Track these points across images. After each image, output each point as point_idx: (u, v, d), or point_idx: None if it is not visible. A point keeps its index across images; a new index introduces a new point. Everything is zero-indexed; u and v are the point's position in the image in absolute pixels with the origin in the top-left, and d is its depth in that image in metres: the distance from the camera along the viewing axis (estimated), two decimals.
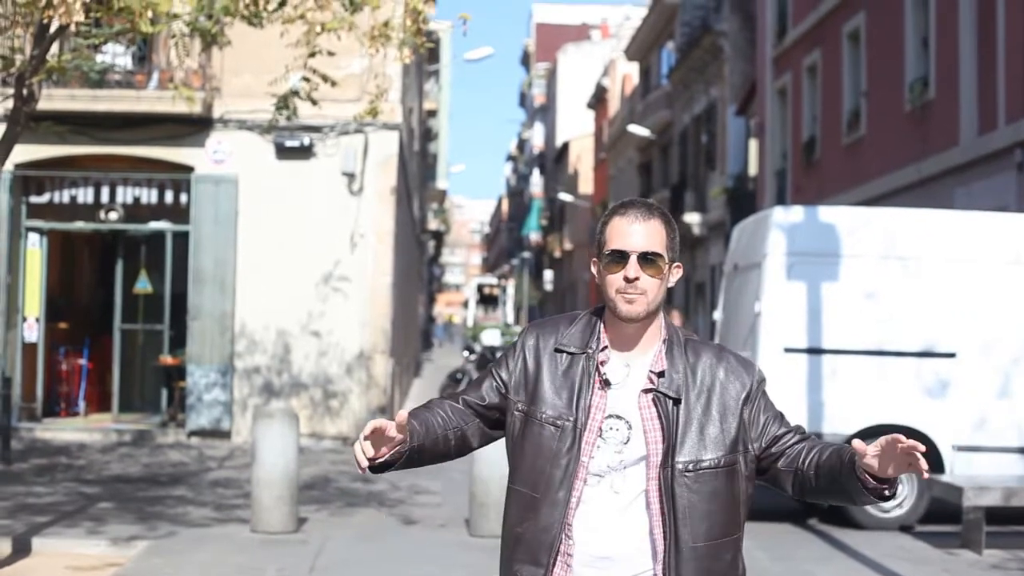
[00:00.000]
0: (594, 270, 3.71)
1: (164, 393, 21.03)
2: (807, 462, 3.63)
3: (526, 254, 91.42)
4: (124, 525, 12.20)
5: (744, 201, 36.11)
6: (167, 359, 20.69)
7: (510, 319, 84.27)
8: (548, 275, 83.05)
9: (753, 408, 3.66)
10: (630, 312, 3.59)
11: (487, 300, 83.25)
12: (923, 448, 3.35)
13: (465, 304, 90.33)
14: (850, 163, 28.06)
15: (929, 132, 23.71)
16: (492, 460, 11.99)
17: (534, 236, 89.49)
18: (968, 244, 13.63)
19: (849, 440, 3.75)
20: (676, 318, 12.90)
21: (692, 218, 41.97)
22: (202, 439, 19.70)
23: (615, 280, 3.59)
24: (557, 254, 79.71)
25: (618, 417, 3.60)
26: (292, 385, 20.02)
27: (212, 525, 12.46)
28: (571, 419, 3.59)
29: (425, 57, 33.63)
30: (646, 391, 3.61)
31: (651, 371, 3.63)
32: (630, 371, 3.64)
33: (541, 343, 3.73)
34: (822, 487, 3.61)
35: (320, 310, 20.03)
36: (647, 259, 3.58)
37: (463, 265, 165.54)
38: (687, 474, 3.54)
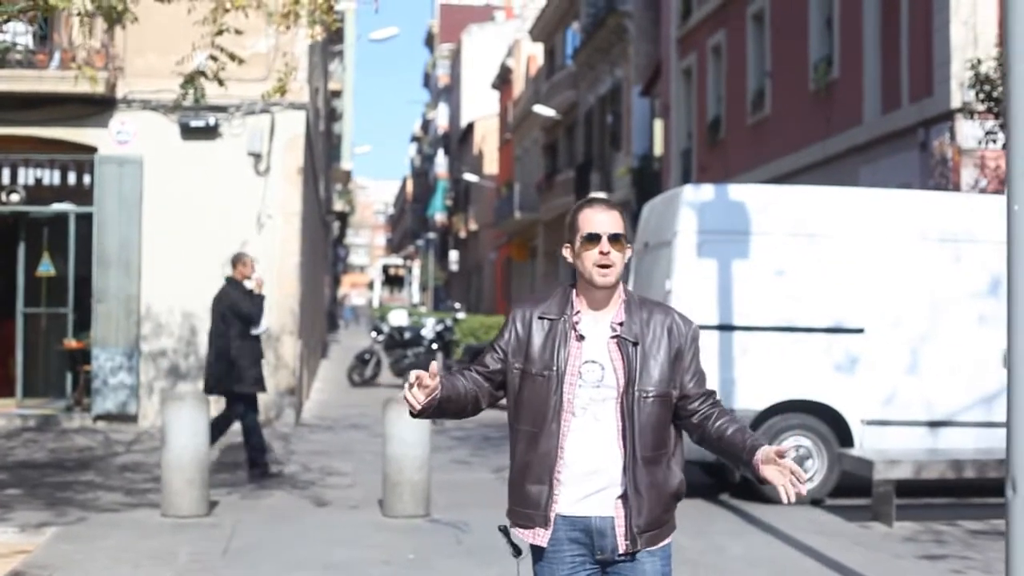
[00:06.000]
0: (566, 252, 4.79)
1: (69, 377, 20.74)
2: (715, 427, 4.73)
3: (431, 235, 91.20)
4: (32, 511, 12.01)
5: (649, 181, 36.29)
6: (71, 343, 20.38)
7: (416, 299, 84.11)
8: (454, 255, 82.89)
9: (686, 358, 4.75)
10: (605, 281, 4.67)
11: (393, 281, 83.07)
12: (800, 473, 4.47)
13: (370, 285, 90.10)
14: (755, 143, 28.28)
15: (833, 111, 23.95)
16: (405, 440, 11.97)
17: (439, 217, 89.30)
18: (875, 221, 13.77)
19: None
20: None
21: None
22: (108, 423, 19.44)
23: (591, 256, 4.66)
24: (462, 234, 79.62)
25: (593, 361, 4.65)
26: (199, 368, 19.72)
27: (122, 510, 12.31)
28: (554, 368, 4.64)
29: (328, 38, 33.39)
30: (612, 338, 4.67)
31: (613, 322, 4.69)
32: (599, 325, 4.70)
33: (528, 315, 4.77)
34: (717, 449, 4.74)
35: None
36: (615, 239, 4.67)
37: (368, 246, 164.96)
38: (640, 400, 4.60)
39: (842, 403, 13.47)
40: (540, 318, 4.72)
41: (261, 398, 19.60)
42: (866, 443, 13.41)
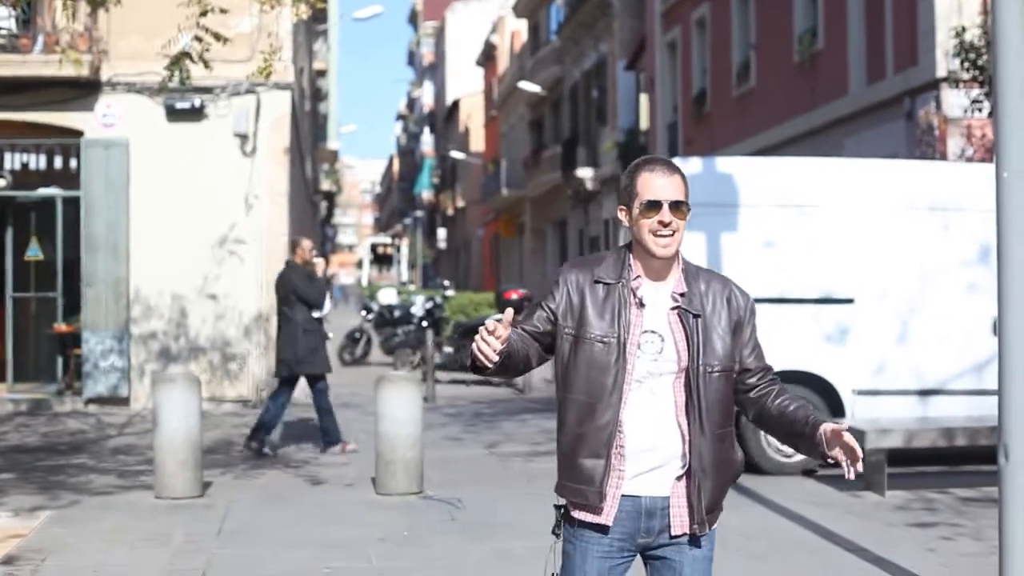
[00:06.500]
0: (621, 216, 4.49)
1: (59, 361, 20.72)
2: (776, 404, 4.50)
3: (419, 213, 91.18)
4: (25, 495, 12.02)
5: (636, 155, 36.06)
6: (61, 327, 20.37)
7: (404, 278, 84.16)
8: (441, 233, 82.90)
9: (745, 331, 4.50)
10: (665, 252, 4.38)
11: (381, 259, 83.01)
12: (859, 451, 4.24)
13: (359, 264, 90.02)
14: (740, 115, 28.28)
15: (818, 83, 23.95)
16: (397, 418, 11.98)
17: (426, 195, 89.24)
18: (863, 191, 13.77)
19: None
20: None
21: (584, 173, 42.10)
22: (100, 406, 19.45)
23: (649, 224, 4.36)
24: (450, 212, 79.57)
25: (652, 332, 4.39)
26: (190, 349, 19.82)
27: (116, 492, 12.31)
28: (615, 336, 4.35)
29: (312, 16, 33.35)
30: (673, 309, 4.41)
31: (675, 292, 4.42)
32: (659, 295, 4.43)
33: (580, 278, 4.47)
34: (777, 429, 4.55)
35: (216, 273, 19.82)
36: (676, 206, 4.36)
37: (355, 226, 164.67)
38: (705, 375, 4.36)
39: (833, 373, 13.48)
40: (596, 282, 4.43)
41: (251, 378, 19.80)
42: (857, 413, 13.43)
